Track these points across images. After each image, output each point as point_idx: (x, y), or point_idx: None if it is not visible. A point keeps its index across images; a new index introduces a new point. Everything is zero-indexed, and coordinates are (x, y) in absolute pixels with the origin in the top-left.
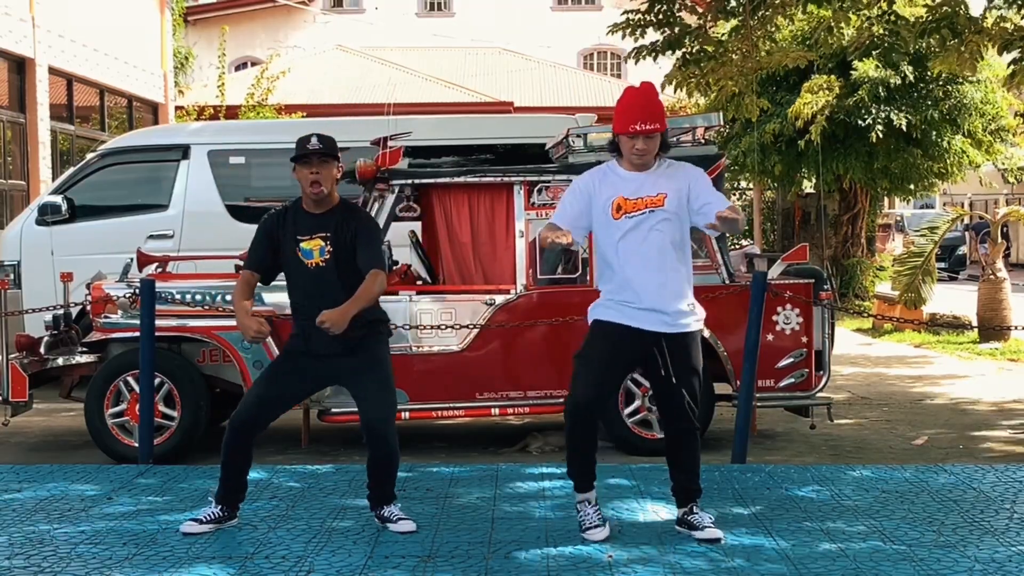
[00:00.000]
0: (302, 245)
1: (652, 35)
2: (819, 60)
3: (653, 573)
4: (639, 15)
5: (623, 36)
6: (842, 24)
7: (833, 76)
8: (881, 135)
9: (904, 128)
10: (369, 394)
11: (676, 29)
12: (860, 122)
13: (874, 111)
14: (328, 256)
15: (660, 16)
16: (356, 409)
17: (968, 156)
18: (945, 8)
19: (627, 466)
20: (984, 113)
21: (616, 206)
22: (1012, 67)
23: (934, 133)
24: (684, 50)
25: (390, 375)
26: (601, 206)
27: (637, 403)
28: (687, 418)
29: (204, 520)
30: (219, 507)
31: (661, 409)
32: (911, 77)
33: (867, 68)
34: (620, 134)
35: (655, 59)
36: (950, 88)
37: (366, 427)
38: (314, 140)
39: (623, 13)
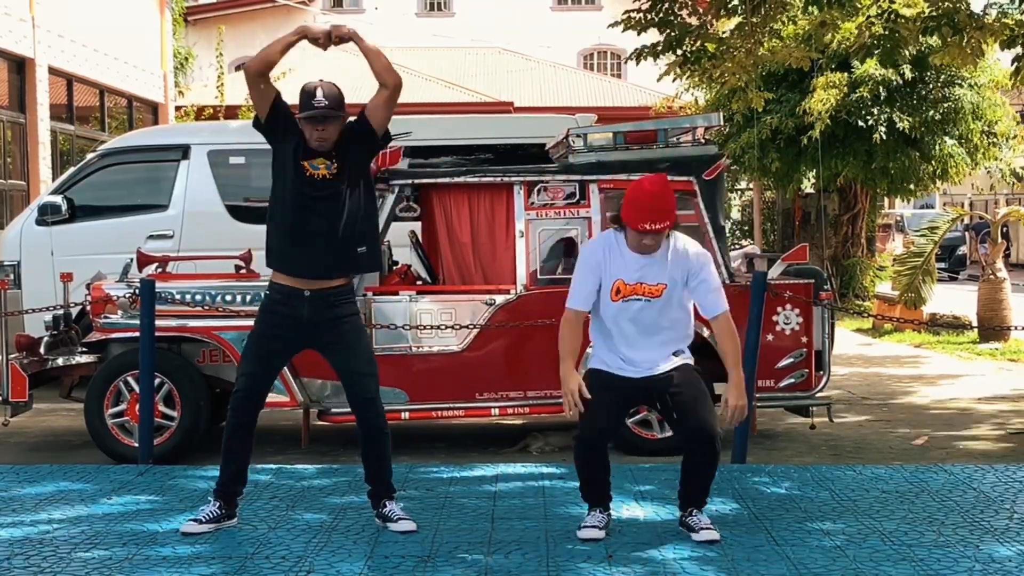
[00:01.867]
0: (305, 163)
1: (653, 33)
2: (822, 59)
3: (653, 573)
4: (640, 14)
5: (623, 30)
6: (838, 21)
7: (843, 74)
8: (884, 137)
9: (906, 129)
10: (356, 366)
11: (676, 30)
12: (861, 123)
13: (875, 112)
14: (336, 171)
15: (661, 14)
16: None
17: (955, 160)
18: (946, 4)
19: (627, 466)
20: (980, 117)
21: (616, 289)
22: (1016, 64)
23: (930, 136)
24: (684, 49)
25: (368, 341)
26: (604, 283)
27: None
28: (707, 440)
29: (203, 520)
30: (217, 505)
31: (680, 435)
32: (910, 76)
33: (869, 67)
34: (629, 227)
35: (655, 59)
36: (948, 91)
37: (356, 398)
38: (319, 96)
39: (624, 12)
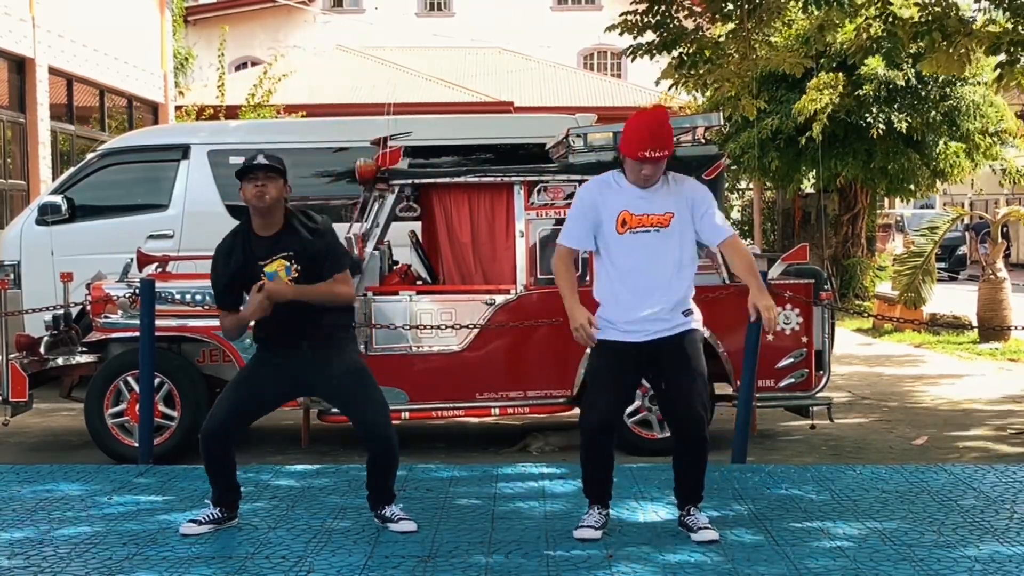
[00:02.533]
0: (265, 269)
1: (650, 36)
2: (820, 63)
3: (652, 573)
4: (637, 16)
5: (621, 33)
6: (835, 23)
7: (840, 74)
8: (882, 132)
9: (904, 131)
10: (359, 401)
11: (672, 33)
12: (862, 121)
13: (875, 111)
14: (296, 276)
15: (658, 17)
16: None
17: (961, 160)
18: (936, 9)
19: (627, 466)
20: (983, 115)
21: (621, 220)
22: (999, 70)
23: (931, 136)
24: (680, 51)
25: (372, 379)
26: (606, 218)
27: (637, 403)
28: (693, 428)
29: (203, 521)
30: (218, 508)
31: (667, 419)
32: (912, 79)
33: (876, 65)
34: (628, 157)
35: (651, 57)
36: (949, 90)
37: (365, 431)
38: (260, 157)
39: (621, 14)
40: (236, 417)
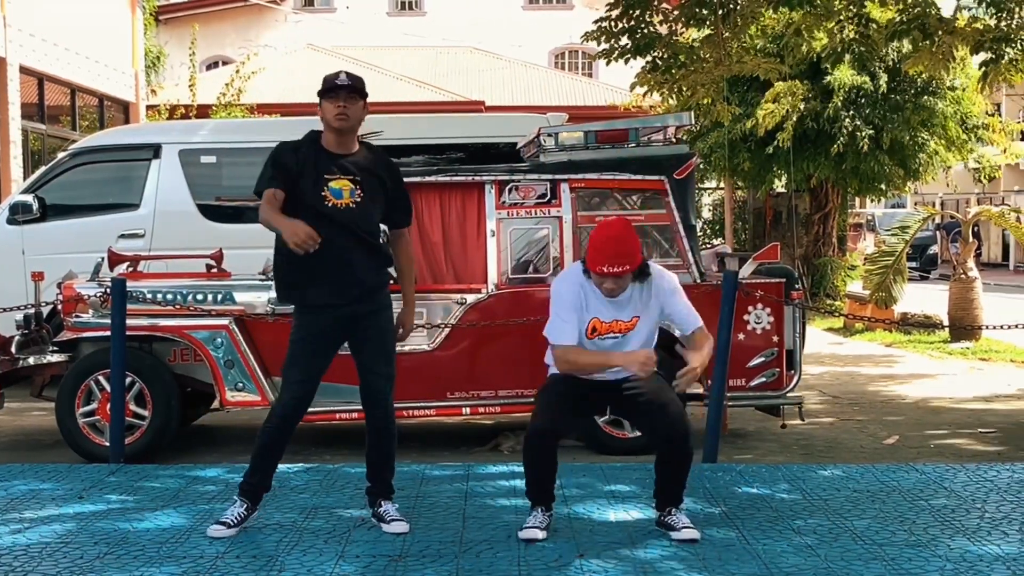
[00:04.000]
0: (330, 184)
1: (624, 40)
2: (789, 70)
3: (624, 572)
4: (611, 22)
5: (598, 44)
6: (813, 29)
7: (799, 81)
8: (843, 148)
9: (866, 146)
10: (375, 365)
11: (646, 38)
12: (829, 127)
13: (843, 118)
14: (359, 200)
15: (631, 22)
16: (329, 409)
17: (940, 156)
18: (916, 9)
19: (598, 465)
20: (954, 116)
21: (592, 327)
22: (983, 68)
23: (906, 137)
24: (655, 55)
25: (394, 347)
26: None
27: None
28: (681, 441)
29: (232, 523)
30: (245, 506)
31: (651, 435)
32: (884, 87)
33: (843, 75)
34: (591, 271)
35: (626, 62)
36: (925, 99)
37: (369, 395)
38: (343, 75)
39: (595, 21)
40: (314, 377)
